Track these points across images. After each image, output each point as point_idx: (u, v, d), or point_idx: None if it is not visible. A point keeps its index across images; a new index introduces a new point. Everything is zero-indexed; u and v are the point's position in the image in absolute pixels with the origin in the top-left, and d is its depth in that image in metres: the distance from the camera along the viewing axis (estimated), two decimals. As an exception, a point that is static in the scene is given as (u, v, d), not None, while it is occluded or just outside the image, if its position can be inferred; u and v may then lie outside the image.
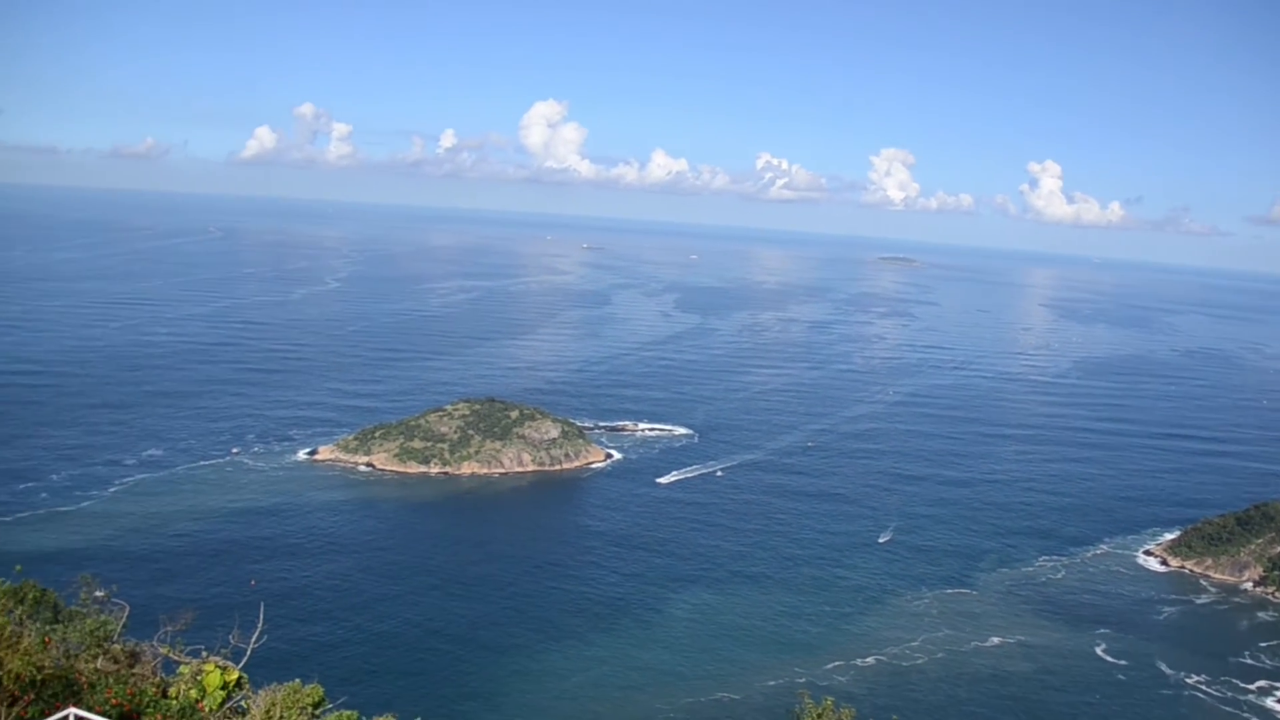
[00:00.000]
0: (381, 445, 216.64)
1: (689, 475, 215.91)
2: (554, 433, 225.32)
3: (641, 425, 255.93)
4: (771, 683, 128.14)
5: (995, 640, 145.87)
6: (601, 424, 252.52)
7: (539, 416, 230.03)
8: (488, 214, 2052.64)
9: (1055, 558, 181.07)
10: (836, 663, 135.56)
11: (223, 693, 23.49)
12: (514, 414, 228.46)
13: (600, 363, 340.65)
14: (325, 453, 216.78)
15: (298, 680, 25.30)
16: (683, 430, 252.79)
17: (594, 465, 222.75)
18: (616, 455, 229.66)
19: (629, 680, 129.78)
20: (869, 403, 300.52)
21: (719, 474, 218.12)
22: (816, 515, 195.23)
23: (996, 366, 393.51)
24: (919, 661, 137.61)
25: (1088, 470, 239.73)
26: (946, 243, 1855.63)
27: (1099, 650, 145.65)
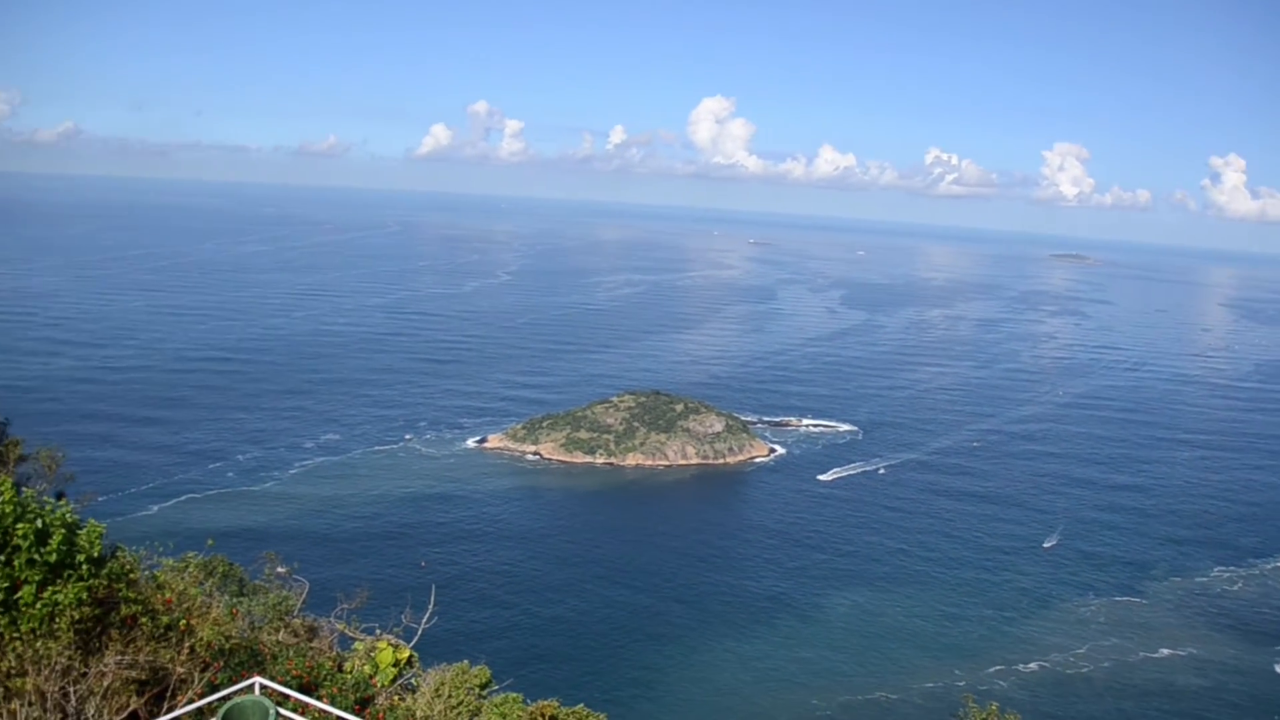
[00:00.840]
0: (549, 435, 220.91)
1: (851, 472, 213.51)
2: (718, 426, 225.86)
3: (805, 420, 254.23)
4: (930, 684, 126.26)
5: (1165, 652, 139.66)
6: (766, 419, 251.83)
7: (704, 410, 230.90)
8: (654, 209, 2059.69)
9: (1232, 569, 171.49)
10: (998, 667, 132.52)
11: (394, 670, 24.83)
12: (679, 407, 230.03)
13: (765, 357, 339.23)
14: (494, 441, 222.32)
15: (466, 661, 26.58)
16: (847, 426, 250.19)
17: (757, 460, 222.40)
18: (780, 450, 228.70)
19: (786, 675, 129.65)
20: (1038, 403, 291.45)
21: (881, 471, 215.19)
22: (980, 517, 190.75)
23: (1173, 368, 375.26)
24: (1084, 670, 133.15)
25: (1270, 479, 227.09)
26: (1122, 240, 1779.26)
27: (1279, 668, 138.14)
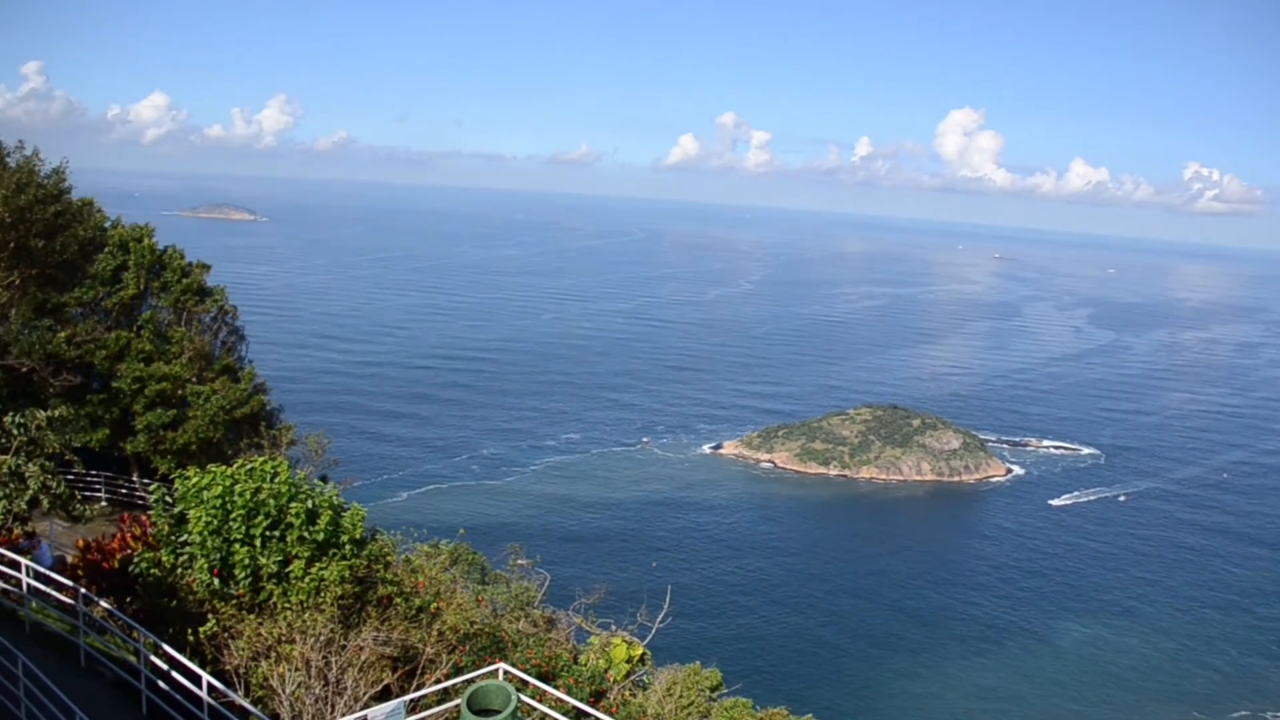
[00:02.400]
0: (783, 444, 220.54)
1: (1090, 498, 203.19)
2: (955, 443, 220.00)
3: (1045, 442, 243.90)
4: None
5: None
6: (1004, 438, 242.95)
7: (941, 426, 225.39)
8: (898, 221, 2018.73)
9: None
10: (1241, 714, 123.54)
11: (627, 665, 25.61)
12: (916, 422, 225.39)
13: (1006, 375, 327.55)
14: (729, 447, 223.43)
15: (698, 663, 27.12)
16: (1088, 450, 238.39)
17: (994, 479, 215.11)
18: (1018, 470, 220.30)
19: (1012, 705, 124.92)
20: None
21: (1122, 499, 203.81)
22: (1228, 553, 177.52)
23: None
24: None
25: None
26: None
27: None
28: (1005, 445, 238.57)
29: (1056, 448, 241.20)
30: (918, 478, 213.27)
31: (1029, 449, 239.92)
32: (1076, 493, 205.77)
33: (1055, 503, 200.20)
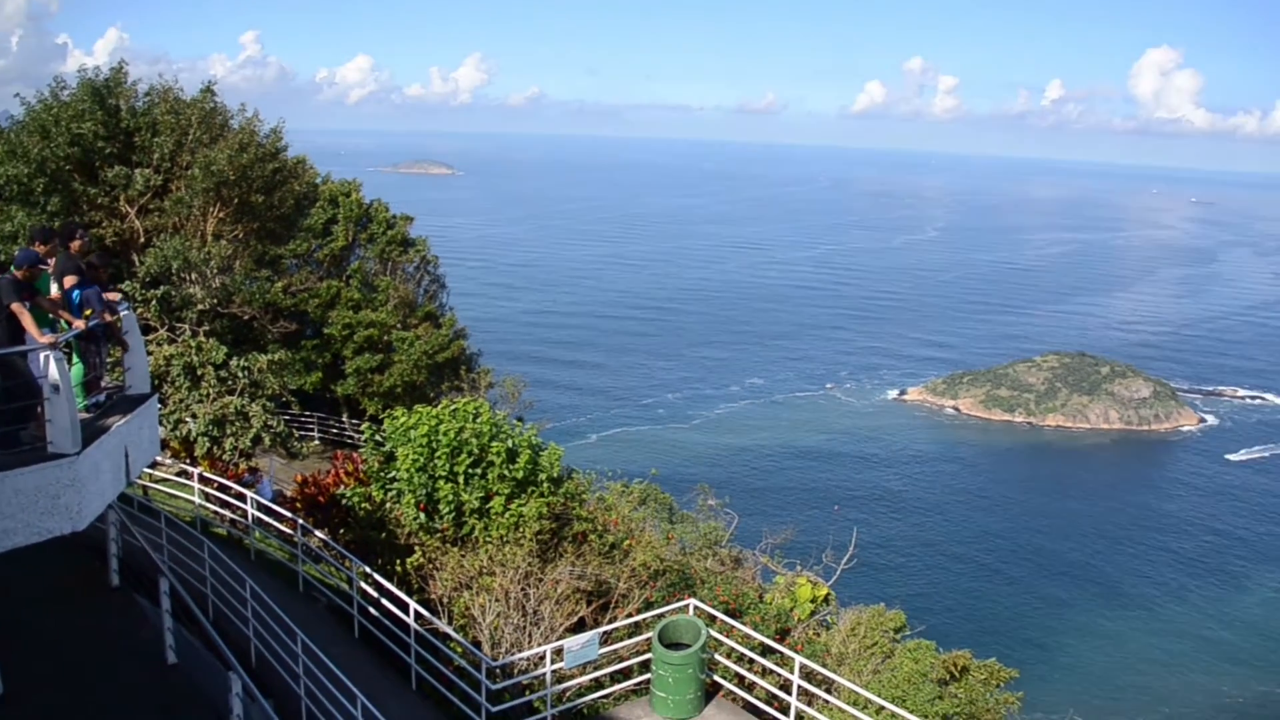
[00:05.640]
0: (968, 390, 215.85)
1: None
2: (1145, 392, 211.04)
3: (1242, 391, 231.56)
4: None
5: None
6: (1197, 387, 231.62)
7: (1130, 374, 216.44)
8: (1089, 165, 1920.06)
9: None
10: None
11: (812, 605, 25.95)
12: (1104, 369, 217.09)
13: (1200, 323, 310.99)
14: (914, 393, 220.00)
15: (882, 604, 27.23)
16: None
17: (1185, 428, 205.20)
18: (1211, 420, 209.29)
19: (1197, 656, 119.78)
20: None
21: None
22: None
23: None
24: None
25: None
26: None
27: None
28: (1198, 395, 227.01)
29: (1254, 398, 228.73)
30: (1105, 425, 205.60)
31: (1223, 398, 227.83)
32: (1273, 445, 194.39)
33: (1244, 455, 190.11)
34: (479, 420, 21.55)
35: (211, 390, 28.72)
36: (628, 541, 23.43)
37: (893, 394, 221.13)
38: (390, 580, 19.88)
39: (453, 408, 21.88)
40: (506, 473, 20.80)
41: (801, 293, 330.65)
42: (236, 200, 39.43)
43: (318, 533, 22.64)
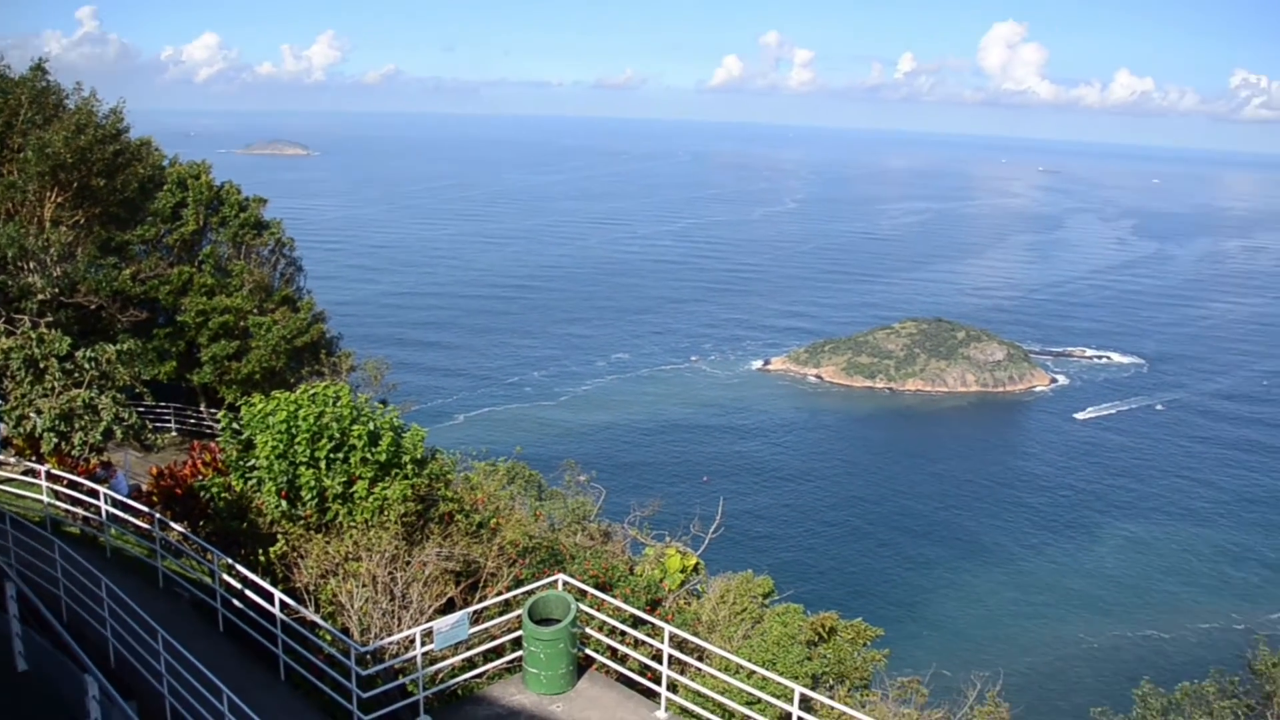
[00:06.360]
0: (830, 359, 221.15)
1: (1132, 406, 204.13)
2: (999, 354, 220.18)
3: (1089, 351, 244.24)
4: (1205, 625, 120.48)
5: None
6: (1049, 349, 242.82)
7: (985, 338, 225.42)
8: (942, 137, 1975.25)
9: None
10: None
11: (682, 575, 26.31)
12: (960, 334, 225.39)
13: (1050, 287, 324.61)
14: (777, 363, 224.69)
15: (750, 570, 27.72)
16: (1131, 359, 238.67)
17: (1038, 389, 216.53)
18: (1062, 380, 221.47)
19: (1055, 606, 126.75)
20: None
21: (1160, 407, 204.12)
22: (1263, 464, 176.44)
23: None
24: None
25: None
26: None
27: None
28: (1049, 356, 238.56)
29: (1100, 357, 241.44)
30: (963, 389, 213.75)
31: (1073, 359, 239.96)
32: (1116, 402, 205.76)
33: (1092, 413, 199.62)
34: (339, 404, 21.21)
35: (56, 384, 27.62)
36: (495, 520, 23.40)
37: (757, 364, 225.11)
38: (254, 571, 19.46)
39: (312, 392, 21.48)
40: (369, 456, 20.53)
41: (664, 267, 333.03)
42: (76, 184, 37.79)
43: (176, 526, 22.05)
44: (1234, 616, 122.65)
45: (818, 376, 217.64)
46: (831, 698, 22.68)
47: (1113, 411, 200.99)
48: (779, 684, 17.53)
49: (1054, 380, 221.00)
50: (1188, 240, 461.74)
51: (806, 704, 18.50)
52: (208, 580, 20.69)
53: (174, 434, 50.46)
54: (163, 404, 50.83)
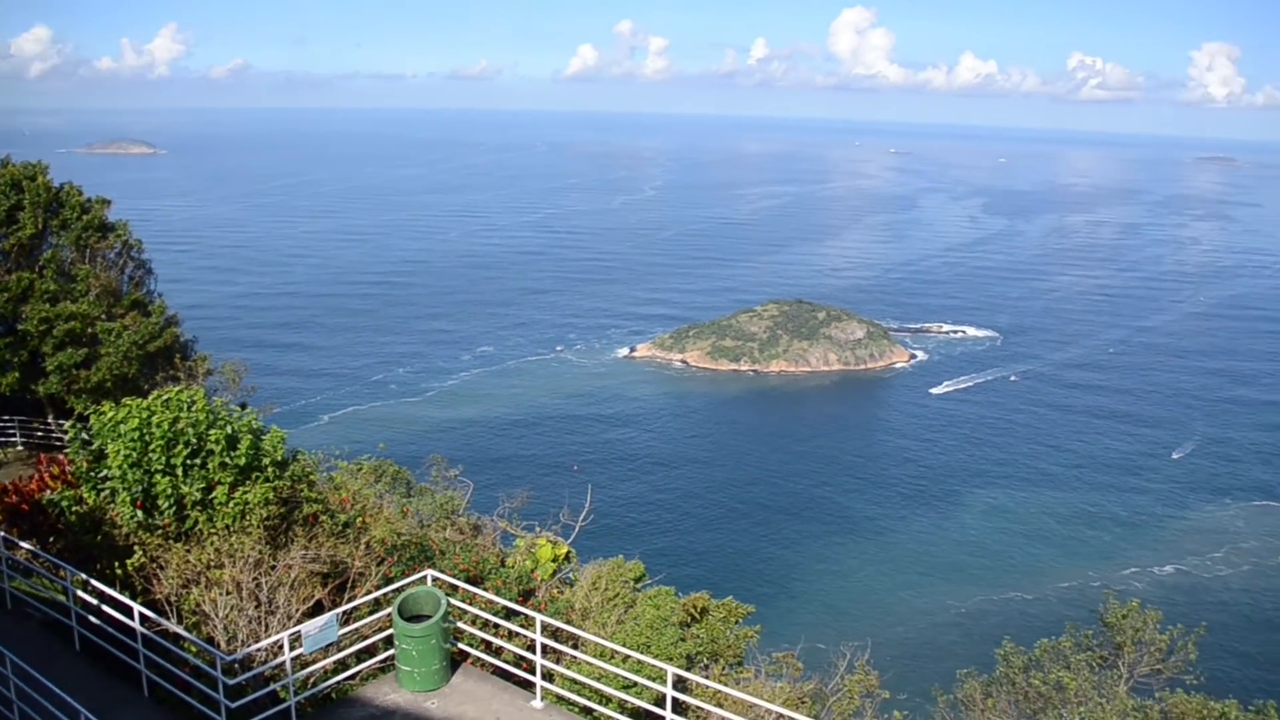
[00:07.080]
0: (695, 343, 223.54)
1: (989, 378, 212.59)
2: (859, 333, 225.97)
3: (945, 327, 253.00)
4: (1065, 584, 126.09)
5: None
6: (906, 325, 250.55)
7: (845, 317, 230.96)
8: (796, 121, 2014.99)
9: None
10: (1132, 569, 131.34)
11: (554, 564, 26.29)
12: (821, 315, 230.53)
13: (906, 265, 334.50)
14: (642, 350, 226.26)
15: (620, 556, 27.83)
16: (986, 332, 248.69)
17: (897, 365, 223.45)
18: (921, 355, 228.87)
19: (922, 574, 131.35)
20: (1176, 310, 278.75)
21: (1014, 379, 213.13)
22: (1114, 426, 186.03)
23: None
24: (1222, 573, 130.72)
25: None
26: (1274, 141, 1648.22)
27: None
28: (908, 333, 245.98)
29: (957, 331, 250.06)
30: (825, 368, 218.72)
31: (930, 335, 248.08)
32: (974, 375, 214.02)
33: (949, 386, 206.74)
34: (194, 408, 20.57)
35: (-112, 400, 26.35)
36: (361, 519, 23.05)
37: (622, 352, 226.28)
38: (111, 585, 18.76)
39: (165, 398, 20.80)
40: (228, 460, 19.98)
41: (525, 258, 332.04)
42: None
43: (24, 544, 21.11)
44: (1090, 574, 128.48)
45: (683, 361, 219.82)
46: (706, 677, 22.94)
47: (970, 384, 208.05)
48: (653, 666, 17.69)
49: (913, 356, 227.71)
50: (1035, 216, 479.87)
51: (681, 684, 18.69)
52: (62, 599, 19.89)
53: (20, 448, 48.40)
54: (6, 417, 48.78)
